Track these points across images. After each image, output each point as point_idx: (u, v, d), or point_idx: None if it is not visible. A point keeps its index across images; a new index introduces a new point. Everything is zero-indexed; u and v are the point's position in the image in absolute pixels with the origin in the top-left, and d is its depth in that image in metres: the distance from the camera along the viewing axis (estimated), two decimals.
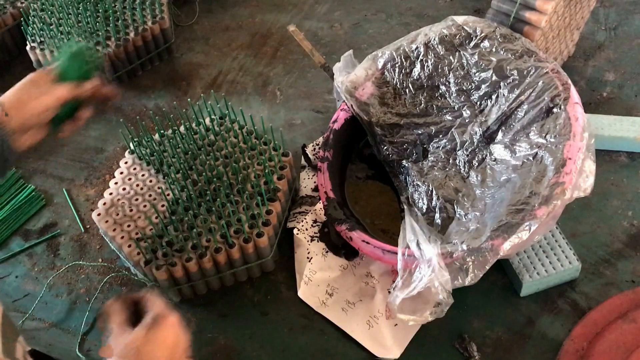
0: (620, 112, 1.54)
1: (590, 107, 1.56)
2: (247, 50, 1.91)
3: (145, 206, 1.34)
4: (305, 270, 1.32)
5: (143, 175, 1.40)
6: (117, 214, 1.34)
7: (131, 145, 1.45)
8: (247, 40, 1.94)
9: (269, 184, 1.33)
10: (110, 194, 1.38)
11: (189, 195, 1.33)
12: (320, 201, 1.35)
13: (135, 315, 0.98)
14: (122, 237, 1.30)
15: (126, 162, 1.43)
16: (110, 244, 1.39)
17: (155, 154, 1.42)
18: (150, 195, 1.36)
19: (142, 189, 1.38)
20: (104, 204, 1.36)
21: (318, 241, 1.36)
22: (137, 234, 1.30)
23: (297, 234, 1.36)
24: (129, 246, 1.28)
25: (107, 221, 1.33)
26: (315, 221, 1.39)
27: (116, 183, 1.40)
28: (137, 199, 1.36)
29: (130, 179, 1.40)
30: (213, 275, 1.30)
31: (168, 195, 1.34)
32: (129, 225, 1.32)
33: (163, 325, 0.93)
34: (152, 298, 0.97)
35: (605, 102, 1.57)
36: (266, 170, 1.33)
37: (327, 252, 1.34)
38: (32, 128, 1.22)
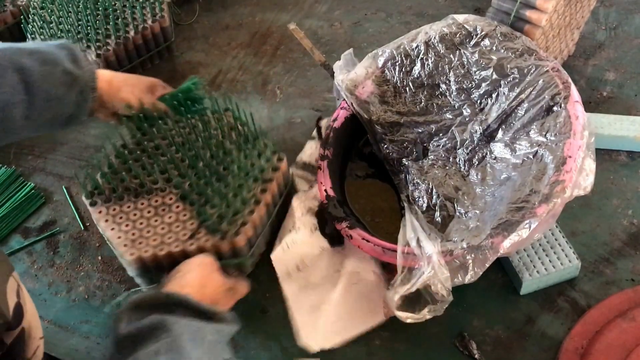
0: (621, 111, 1.54)
1: (590, 106, 1.56)
2: (247, 49, 1.91)
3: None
4: (287, 238, 1.32)
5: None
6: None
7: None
8: (247, 39, 1.94)
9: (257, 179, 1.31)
10: None
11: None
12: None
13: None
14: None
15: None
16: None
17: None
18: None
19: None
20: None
21: (313, 215, 1.35)
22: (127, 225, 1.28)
23: (296, 201, 1.38)
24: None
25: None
26: (321, 207, 1.39)
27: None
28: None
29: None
30: None
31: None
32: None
33: (191, 262, 1.11)
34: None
35: (605, 102, 1.57)
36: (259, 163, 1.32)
37: (316, 228, 1.33)
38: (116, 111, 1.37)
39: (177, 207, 1.27)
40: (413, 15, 1.92)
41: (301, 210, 1.35)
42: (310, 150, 1.52)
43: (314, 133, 1.55)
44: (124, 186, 1.30)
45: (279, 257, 1.31)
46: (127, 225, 1.25)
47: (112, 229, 1.25)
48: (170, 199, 1.28)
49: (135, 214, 1.27)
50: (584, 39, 1.72)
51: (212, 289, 1.08)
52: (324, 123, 1.55)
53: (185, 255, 1.19)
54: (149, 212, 1.27)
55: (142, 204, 1.28)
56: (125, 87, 1.36)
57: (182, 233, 1.23)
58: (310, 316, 1.25)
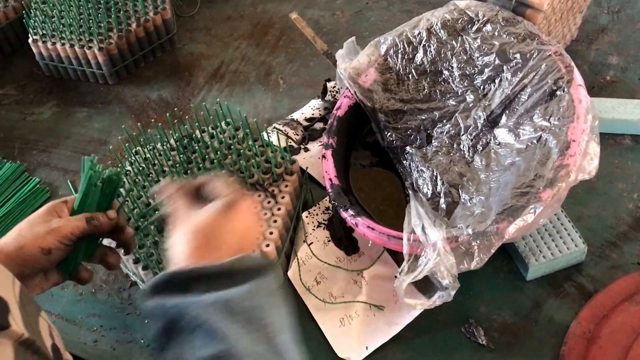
0: (624, 95, 1.54)
1: (593, 90, 1.56)
2: (249, 40, 1.91)
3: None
4: (301, 252, 1.32)
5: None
6: None
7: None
8: (249, 30, 1.94)
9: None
10: None
11: None
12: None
13: (196, 199, 0.97)
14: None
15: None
16: None
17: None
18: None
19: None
20: None
21: (324, 228, 1.36)
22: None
23: (307, 217, 1.37)
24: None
25: None
26: (327, 209, 1.39)
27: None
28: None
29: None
30: None
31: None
32: None
33: (234, 211, 0.91)
34: (219, 183, 0.96)
35: (608, 86, 1.57)
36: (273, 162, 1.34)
37: (329, 241, 1.34)
38: (37, 274, 1.05)
39: None
40: (415, 3, 1.92)
41: (312, 225, 1.36)
42: (309, 109, 1.58)
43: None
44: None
45: (295, 273, 1.31)
46: None
47: None
48: None
49: None
50: (587, 23, 1.71)
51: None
52: (330, 85, 1.60)
53: None
54: None
55: None
56: (28, 239, 1.02)
57: None
58: (340, 329, 1.25)
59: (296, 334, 0.80)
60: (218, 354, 0.72)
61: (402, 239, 1.14)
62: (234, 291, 0.78)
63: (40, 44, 1.79)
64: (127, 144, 1.41)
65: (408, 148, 1.36)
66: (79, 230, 1.02)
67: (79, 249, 1.08)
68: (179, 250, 0.87)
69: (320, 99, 1.63)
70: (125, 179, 1.32)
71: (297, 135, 1.56)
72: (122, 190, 1.18)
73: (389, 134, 1.37)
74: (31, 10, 1.85)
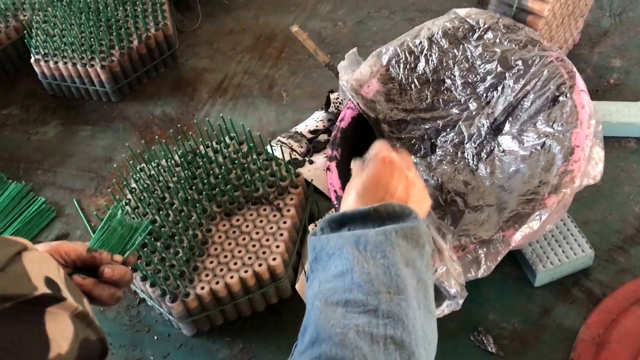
0: (628, 97, 1.53)
1: (597, 94, 1.55)
2: (251, 53, 1.91)
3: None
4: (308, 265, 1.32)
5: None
6: None
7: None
8: (252, 43, 1.95)
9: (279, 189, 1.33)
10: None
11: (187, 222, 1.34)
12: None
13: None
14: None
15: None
16: None
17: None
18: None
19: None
20: None
21: None
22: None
23: (313, 229, 1.37)
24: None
25: None
26: None
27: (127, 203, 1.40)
28: None
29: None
30: (228, 303, 1.29)
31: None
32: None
33: (375, 162, 0.94)
34: (374, 145, 0.99)
35: (612, 89, 1.57)
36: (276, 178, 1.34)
37: None
38: None
39: None
40: (416, 11, 1.92)
41: None
42: (312, 121, 1.58)
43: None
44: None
45: (303, 285, 1.31)
46: None
47: None
48: None
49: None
50: (589, 26, 1.71)
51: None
52: (333, 96, 1.60)
53: None
54: None
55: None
56: None
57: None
58: None
59: (428, 276, 0.84)
60: (342, 271, 0.79)
61: None
62: (367, 229, 0.83)
63: (42, 63, 1.80)
64: (131, 162, 1.41)
65: (413, 157, 1.35)
66: (75, 252, 1.01)
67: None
68: (344, 206, 0.94)
69: (323, 111, 1.63)
70: (150, 227, 1.21)
71: (302, 147, 1.56)
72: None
73: (393, 144, 1.37)
74: (32, 30, 1.86)
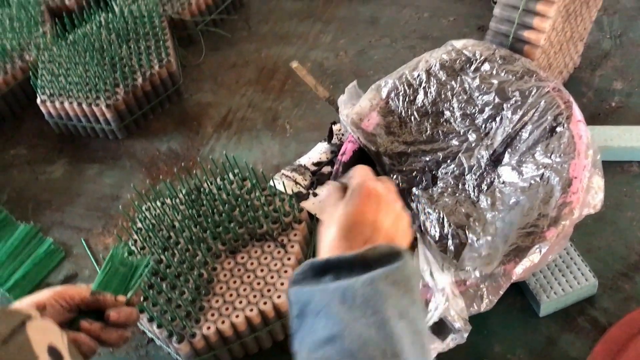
0: (630, 120, 1.53)
1: (599, 117, 1.55)
2: (255, 86, 1.93)
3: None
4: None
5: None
6: None
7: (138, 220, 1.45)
8: (255, 76, 1.96)
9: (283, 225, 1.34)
10: None
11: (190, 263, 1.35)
12: None
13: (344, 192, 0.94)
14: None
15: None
16: None
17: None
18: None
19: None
20: None
21: None
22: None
23: None
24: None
25: None
26: None
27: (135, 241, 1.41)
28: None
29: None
30: (234, 341, 1.29)
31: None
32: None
33: (360, 196, 0.88)
34: (354, 171, 0.95)
35: (614, 112, 1.57)
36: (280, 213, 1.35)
37: None
38: None
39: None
40: (417, 38, 1.93)
41: None
42: (315, 153, 1.58)
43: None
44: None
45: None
46: None
47: None
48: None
49: None
50: (590, 49, 1.72)
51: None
52: (336, 128, 1.60)
53: None
54: None
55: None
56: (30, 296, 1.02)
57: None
58: None
59: (422, 323, 0.79)
60: (330, 336, 0.72)
61: None
62: (355, 279, 0.77)
63: (48, 103, 1.82)
64: (136, 202, 1.43)
65: (414, 190, 1.36)
66: (79, 296, 1.03)
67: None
68: (322, 246, 0.87)
69: (326, 142, 1.64)
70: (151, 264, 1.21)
71: (306, 180, 1.57)
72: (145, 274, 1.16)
73: (394, 176, 1.38)
74: (38, 70, 1.88)
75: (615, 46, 1.74)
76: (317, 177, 1.57)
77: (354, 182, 0.92)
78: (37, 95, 1.84)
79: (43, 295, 1.01)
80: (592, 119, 1.54)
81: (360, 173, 0.94)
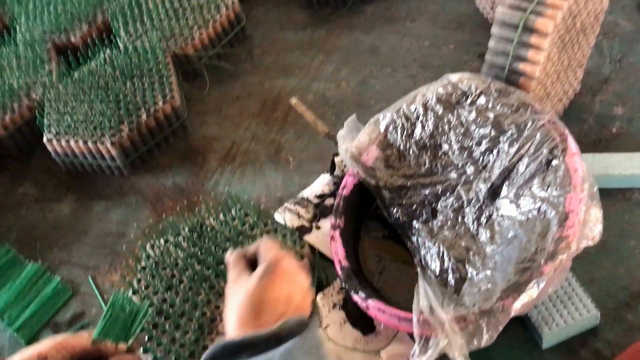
0: (631, 146, 1.53)
1: (600, 144, 1.55)
2: (258, 118, 1.94)
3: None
4: None
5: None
6: None
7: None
8: (258, 108, 1.97)
9: None
10: None
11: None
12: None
13: (253, 265, 0.99)
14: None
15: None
16: None
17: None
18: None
19: None
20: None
21: (339, 309, 1.37)
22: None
23: (321, 299, 1.39)
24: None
25: None
26: (342, 288, 1.40)
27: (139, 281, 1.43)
28: None
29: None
30: None
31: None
32: None
33: (275, 273, 0.92)
34: (265, 245, 0.98)
35: (615, 138, 1.56)
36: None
37: (345, 322, 1.34)
38: None
39: None
40: (419, 67, 1.93)
41: (327, 307, 1.37)
42: (318, 185, 1.60)
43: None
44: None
45: None
46: None
47: None
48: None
49: None
50: (590, 74, 1.71)
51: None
52: (338, 159, 1.61)
53: None
54: None
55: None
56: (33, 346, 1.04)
57: None
58: None
59: None
60: None
61: (412, 320, 1.15)
62: (272, 353, 0.81)
63: (54, 142, 1.83)
64: (139, 242, 1.44)
65: (414, 223, 1.37)
66: (80, 346, 1.04)
67: None
68: (231, 320, 0.90)
69: (329, 174, 1.65)
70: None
71: (309, 213, 1.58)
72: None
73: (394, 210, 1.39)
74: (44, 109, 1.90)
75: (616, 71, 1.73)
76: (321, 210, 1.58)
77: (268, 256, 0.95)
78: (44, 134, 1.86)
79: (44, 345, 1.02)
80: (594, 145, 1.54)
81: (268, 247, 0.98)
